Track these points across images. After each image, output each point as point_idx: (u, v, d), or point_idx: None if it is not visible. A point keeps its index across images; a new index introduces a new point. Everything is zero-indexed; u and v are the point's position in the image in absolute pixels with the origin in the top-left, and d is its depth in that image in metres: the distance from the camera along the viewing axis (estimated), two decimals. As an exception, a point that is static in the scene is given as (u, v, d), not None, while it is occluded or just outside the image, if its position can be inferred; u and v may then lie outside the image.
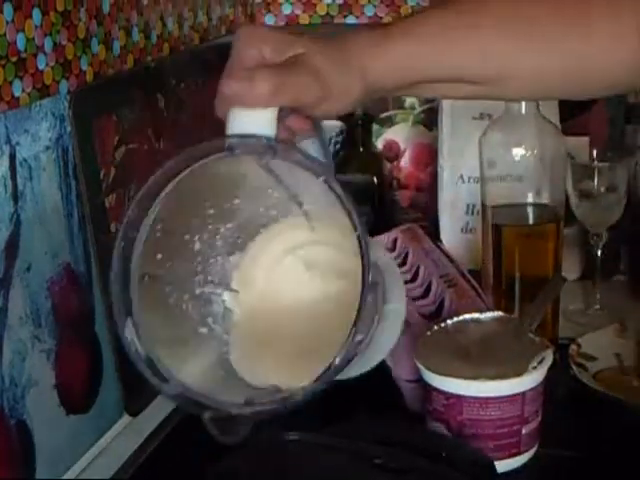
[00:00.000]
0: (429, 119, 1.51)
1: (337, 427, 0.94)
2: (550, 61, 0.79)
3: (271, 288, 0.77)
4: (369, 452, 0.89)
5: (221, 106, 0.71)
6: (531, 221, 1.18)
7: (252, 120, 0.69)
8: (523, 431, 0.93)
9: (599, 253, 1.28)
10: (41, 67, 0.97)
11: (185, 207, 0.73)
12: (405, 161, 1.53)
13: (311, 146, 0.75)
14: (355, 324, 0.68)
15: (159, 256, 0.72)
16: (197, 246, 0.75)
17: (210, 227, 0.75)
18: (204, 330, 0.76)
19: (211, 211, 0.74)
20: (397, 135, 1.53)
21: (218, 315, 0.76)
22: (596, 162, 1.27)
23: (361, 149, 1.48)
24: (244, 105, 0.69)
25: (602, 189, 1.24)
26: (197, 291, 0.76)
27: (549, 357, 0.94)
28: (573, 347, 1.12)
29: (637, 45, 0.78)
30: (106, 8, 1.10)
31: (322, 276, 0.76)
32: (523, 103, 1.14)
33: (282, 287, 0.77)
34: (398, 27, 0.77)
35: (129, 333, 0.70)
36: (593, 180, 1.24)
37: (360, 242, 0.68)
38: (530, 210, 1.17)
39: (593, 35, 0.78)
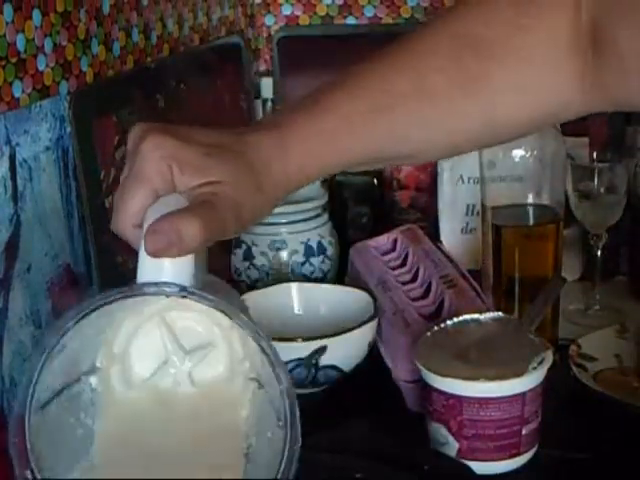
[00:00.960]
0: (429, 120, 1.51)
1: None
2: (460, 130, 0.78)
3: (130, 353, 0.70)
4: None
5: (126, 230, 0.67)
6: (531, 222, 1.18)
7: (171, 267, 0.64)
8: (523, 432, 0.93)
9: (599, 253, 1.28)
10: (41, 68, 0.97)
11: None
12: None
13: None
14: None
15: (48, 380, 0.66)
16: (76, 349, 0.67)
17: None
18: (80, 432, 0.68)
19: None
20: (397, 136, 1.53)
21: (88, 404, 0.69)
22: (596, 163, 1.27)
23: (361, 150, 1.48)
24: (167, 257, 0.63)
25: (602, 190, 1.24)
26: (73, 389, 0.68)
27: (549, 358, 0.94)
28: (573, 348, 1.12)
29: (558, 85, 0.77)
30: (106, 9, 1.10)
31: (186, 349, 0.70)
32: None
33: (143, 358, 0.70)
34: (298, 123, 0.73)
35: None
36: (593, 181, 1.24)
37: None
38: (530, 211, 1.17)
39: (500, 90, 0.77)
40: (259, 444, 0.67)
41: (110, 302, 0.64)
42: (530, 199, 1.16)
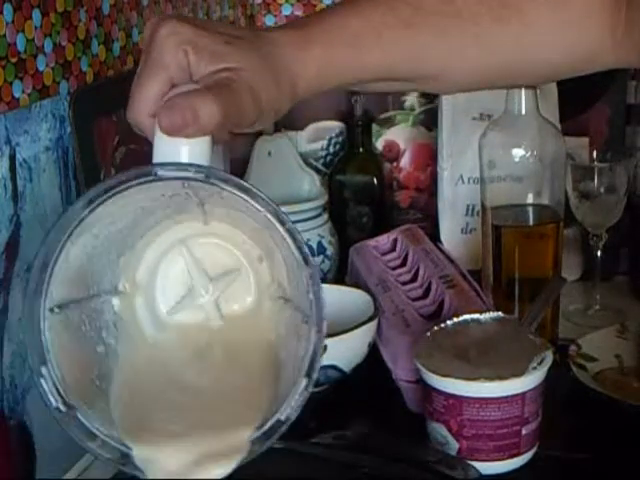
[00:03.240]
0: (429, 120, 1.51)
1: (327, 435, 0.94)
2: (490, 56, 0.77)
3: (154, 286, 0.70)
4: (355, 462, 0.89)
5: (141, 117, 0.66)
6: (531, 222, 1.18)
7: (187, 150, 0.63)
8: (523, 432, 0.93)
9: (599, 253, 1.28)
10: (41, 68, 0.97)
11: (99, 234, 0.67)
12: (405, 162, 1.53)
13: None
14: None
15: (65, 284, 0.65)
16: (97, 262, 0.68)
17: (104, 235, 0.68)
18: (101, 349, 0.69)
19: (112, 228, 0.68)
20: (397, 136, 1.53)
21: (110, 325, 0.69)
22: (596, 163, 1.27)
23: (361, 150, 1.48)
24: (183, 136, 0.62)
25: (602, 190, 1.24)
26: (92, 304, 0.68)
27: (549, 358, 0.94)
28: (573, 348, 1.12)
29: (590, 32, 0.76)
30: (106, 9, 1.10)
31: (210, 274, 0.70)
32: (523, 104, 1.14)
33: (164, 284, 0.70)
34: (323, 28, 0.72)
35: (45, 384, 0.64)
36: (593, 181, 1.24)
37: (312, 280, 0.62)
38: (530, 211, 1.17)
39: (532, 25, 0.76)
40: (288, 354, 0.67)
41: (126, 183, 0.62)
42: (530, 199, 1.16)
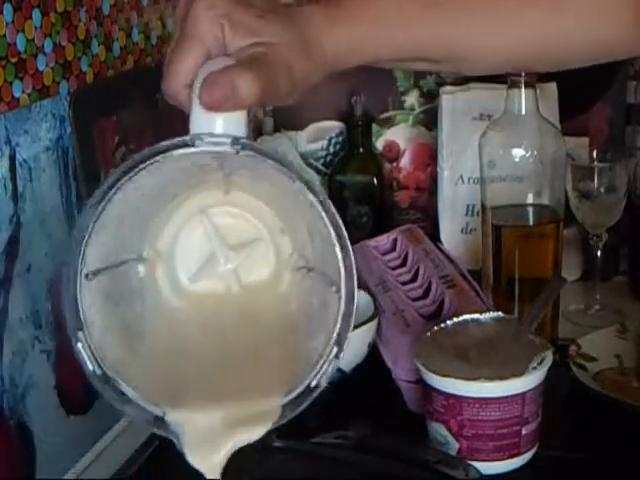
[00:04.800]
0: (429, 119, 1.51)
1: (328, 435, 0.94)
2: (519, 38, 0.77)
3: (174, 254, 0.71)
4: (356, 461, 0.89)
5: (177, 88, 0.67)
6: (531, 222, 1.18)
7: (224, 122, 0.64)
8: (523, 432, 0.93)
9: (599, 253, 1.28)
10: (41, 68, 0.97)
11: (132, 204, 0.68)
12: (405, 161, 1.53)
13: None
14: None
15: (99, 250, 0.67)
16: (126, 229, 0.69)
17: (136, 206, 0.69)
18: (132, 314, 0.70)
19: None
20: (397, 136, 1.53)
21: (137, 291, 0.71)
22: (596, 163, 1.27)
23: (361, 150, 1.48)
24: (221, 110, 0.64)
25: (602, 190, 1.24)
26: (122, 270, 0.70)
27: (549, 358, 0.94)
28: (573, 348, 1.12)
29: (621, 19, 0.77)
30: (106, 9, 1.10)
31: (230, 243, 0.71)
32: (523, 104, 1.14)
33: (186, 254, 0.72)
34: (355, 4, 0.73)
35: (82, 348, 0.66)
36: (593, 181, 1.24)
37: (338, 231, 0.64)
38: (530, 211, 1.17)
39: (567, 9, 0.77)
40: (313, 322, 0.68)
41: (165, 152, 0.64)
42: (530, 199, 1.16)
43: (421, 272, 1.18)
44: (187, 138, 0.64)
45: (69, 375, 0.98)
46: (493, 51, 0.79)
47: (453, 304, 1.08)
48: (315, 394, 0.65)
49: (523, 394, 0.92)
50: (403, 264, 1.23)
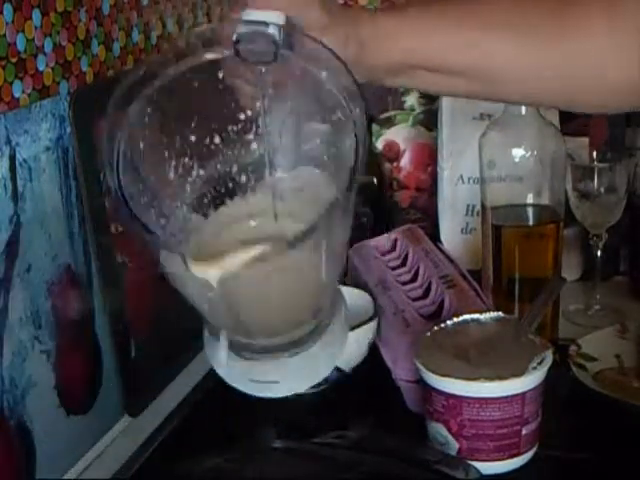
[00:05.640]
0: (429, 120, 1.51)
1: (327, 435, 0.94)
2: (547, 60, 0.79)
3: None
4: (356, 461, 0.89)
5: None
6: (531, 222, 1.18)
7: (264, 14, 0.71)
8: (523, 432, 0.93)
9: (599, 253, 1.28)
10: (41, 68, 0.97)
11: (172, 112, 0.72)
12: (405, 161, 1.53)
13: None
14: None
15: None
16: (171, 175, 0.72)
17: (186, 161, 0.73)
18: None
19: (192, 138, 0.73)
20: (397, 136, 1.53)
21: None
22: (596, 163, 1.27)
23: (361, 150, 1.48)
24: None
25: (602, 190, 1.24)
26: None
27: (549, 358, 0.94)
28: (573, 347, 1.12)
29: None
30: (106, 9, 1.10)
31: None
32: (523, 104, 1.14)
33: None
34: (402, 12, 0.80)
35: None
36: (593, 181, 1.24)
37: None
38: (530, 211, 1.17)
39: (590, 37, 0.79)
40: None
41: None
42: (530, 199, 1.16)
43: (421, 272, 1.18)
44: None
45: (69, 375, 0.98)
46: (524, 73, 0.81)
47: (453, 304, 1.08)
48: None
49: (523, 394, 0.92)
50: (403, 264, 1.23)
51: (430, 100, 1.50)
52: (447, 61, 0.80)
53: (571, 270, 1.30)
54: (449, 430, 0.93)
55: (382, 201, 1.50)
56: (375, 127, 1.51)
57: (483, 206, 1.19)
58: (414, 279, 1.18)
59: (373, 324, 1.08)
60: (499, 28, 0.80)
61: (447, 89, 0.86)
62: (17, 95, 0.93)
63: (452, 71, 0.81)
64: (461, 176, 1.38)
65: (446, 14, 0.80)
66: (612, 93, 0.82)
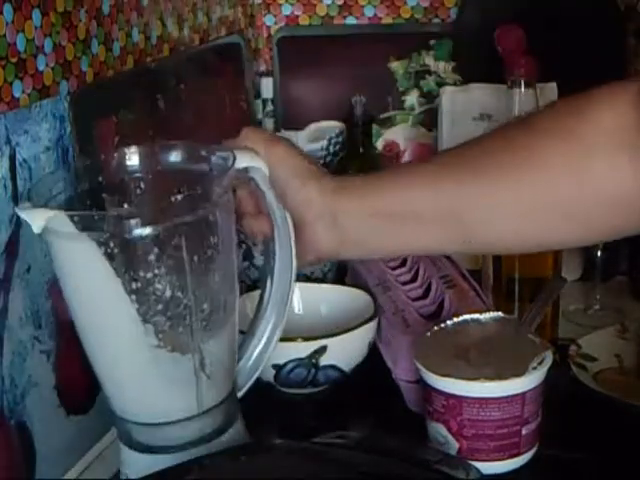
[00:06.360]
0: (429, 120, 1.51)
1: (327, 435, 0.94)
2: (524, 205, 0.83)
3: None
4: (356, 461, 0.89)
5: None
6: (531, 222, 1.17)
7: None
8: (523, 432, 0.93)
9: (599, 253, 1.28)
10: (41, 68, 0.97)
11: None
12: (405, 162, 1.53)
13: None
14: None
15: None
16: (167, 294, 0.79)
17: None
18: None
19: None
20: (397, 136, 1.53)
21: None
22: (596, 163, 1.27)
23: (361, 150, 1.48)
24: None
25: (602, 190, 1.24)
26: None
27: (549, 358, 0.94)
28: (573, 347, 1.12)
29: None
30: (106, 9, 1.10)
31: None
32: (523, 104, 1.14)
33: None
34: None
35: None
36: (593, 181, 1.24)
37: None
38: (530, 211, 1.16)
39: (589, 180, 0.82)
40: None
41: None
42: (530, 199, 1.16)
43: (421, 272, 1.18)
44: None
45: (69, 375, 0.98)
46: (504, 216, 0.84)
47: (453, 304, 1.08)
48: None
49: (523, 394, 0.92)
50: (403, 264, 1.23)
51: (430, 100, 1.50)
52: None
53: (571, 270, 1.30)
54: (449, 430, 0.93)
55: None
56: (375, 127, 1.51)
57: (483, 206, 1.19)
58: (414, 279, 1.18)
59: (373, 324, 1.08)
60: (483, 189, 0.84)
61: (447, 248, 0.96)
62: (17, 95, 0.93)
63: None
64: (461, 176, 1.38)
65: None
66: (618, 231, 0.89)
